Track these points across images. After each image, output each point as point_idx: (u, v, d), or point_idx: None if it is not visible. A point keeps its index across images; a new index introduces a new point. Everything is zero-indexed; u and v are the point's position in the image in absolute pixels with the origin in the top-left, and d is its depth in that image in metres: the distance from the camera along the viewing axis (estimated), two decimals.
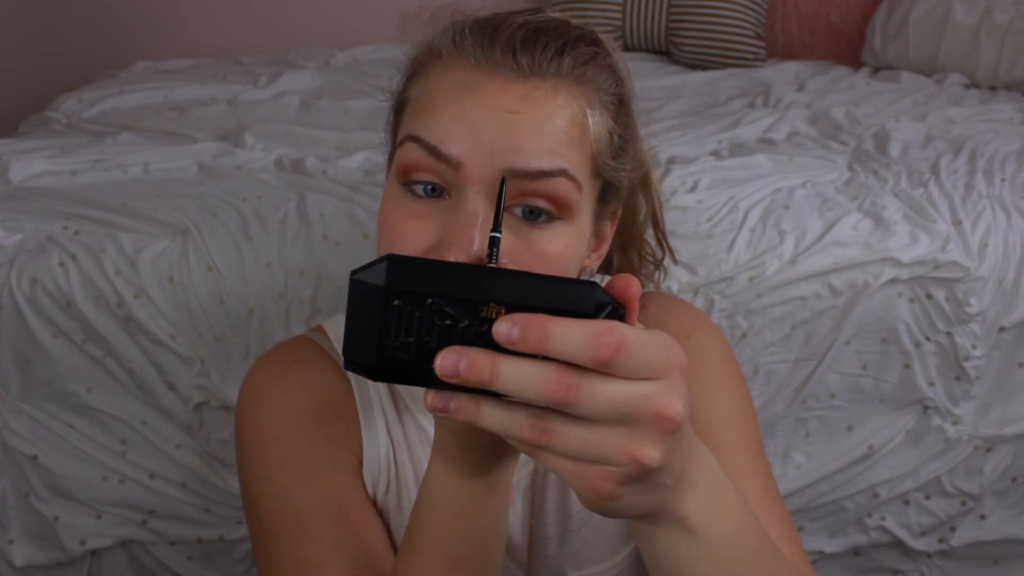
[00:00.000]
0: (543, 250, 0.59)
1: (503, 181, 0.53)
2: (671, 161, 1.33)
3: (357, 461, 0.71)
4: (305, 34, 2.32)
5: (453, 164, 0.57)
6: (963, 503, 1.18)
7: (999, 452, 1.17)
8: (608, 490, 0.41)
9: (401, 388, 0.73)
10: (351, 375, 0.73)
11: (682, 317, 0.77)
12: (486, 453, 0.54)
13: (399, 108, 0.66)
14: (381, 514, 0.71)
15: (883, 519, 1.19)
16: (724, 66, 2.08)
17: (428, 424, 0.73)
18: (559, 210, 0.59)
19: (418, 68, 0.65)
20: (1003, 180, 1.25)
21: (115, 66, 2.06)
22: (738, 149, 1.41)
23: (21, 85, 2.26)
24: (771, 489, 0.70)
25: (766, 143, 1.45)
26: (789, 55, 2.20)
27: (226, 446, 1.07)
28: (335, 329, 0.76)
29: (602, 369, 0.39)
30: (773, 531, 0.59)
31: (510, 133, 0.57)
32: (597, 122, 0.62)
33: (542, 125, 0.58)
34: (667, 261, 0.86)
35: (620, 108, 0.65)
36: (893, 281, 1.10)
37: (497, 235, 0.51)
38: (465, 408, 0.41)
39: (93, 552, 1.08)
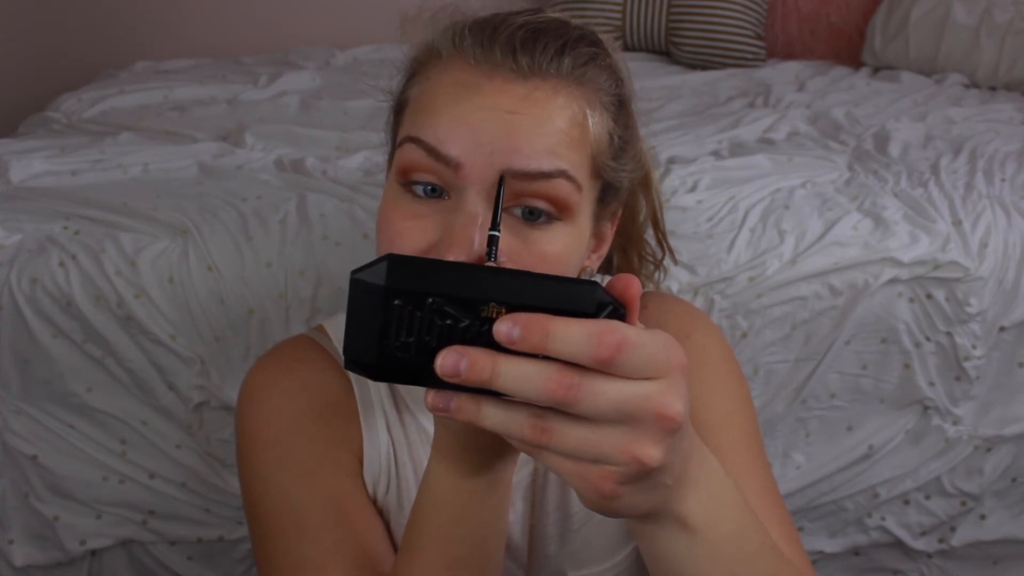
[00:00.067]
0: (543, 251, 0.59)
1: (501, 179, 0.53)
2: (671, 161, 1.33)
3: (357, 461, 0.71)
4: (305, 34, 2.32)
5: (453, 165, 0.57)
6: (963, 503, 1.18)
7: (999, 452, 1.17)
8: (609, 490, 0.41)
9: (402, 388, 0.73)
10: (352, 375, 0.73)
11: (682, 317, 0.77)
12: (486, 453, 0.54)
13: (399, 108, 0.66)
14: (381, 514, 0.71)
15: (883, 519, 1.19)
16: (724, 66, 2.08)
17: (428, 424, 0.73)
18: (559, 211, 0.59)
19: (418, 69, 0.65)
20: (1003, 180, 1.25)
21: (115, 66, 2.06)
22: (738, 149, 1.41)
23: (21, 85, 2.26)
24: (771, 489, 0.70)
25: (766, 143, 1.45)
26: (789, 55, 2.20)
27: (226, 446, 1.07)
28: (336, 329, 0.76)
29: (603, 369, 0.39)
30: (773, 531, 0.59)
31: (510, 134, 0.57)
32: (597, 123, 0.62)
33: (542, 126, 0.58)
34: (667, 261, 0.86)
35: (620, 109, 0.65)
36: (893, 281, 1.10)
37: (496, 233, 0.51)
38: (465, 408, 0.41)
39: (93, 552, 1.08)
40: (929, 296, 1.11)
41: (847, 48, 2.17)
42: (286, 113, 1.63)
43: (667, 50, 2.18)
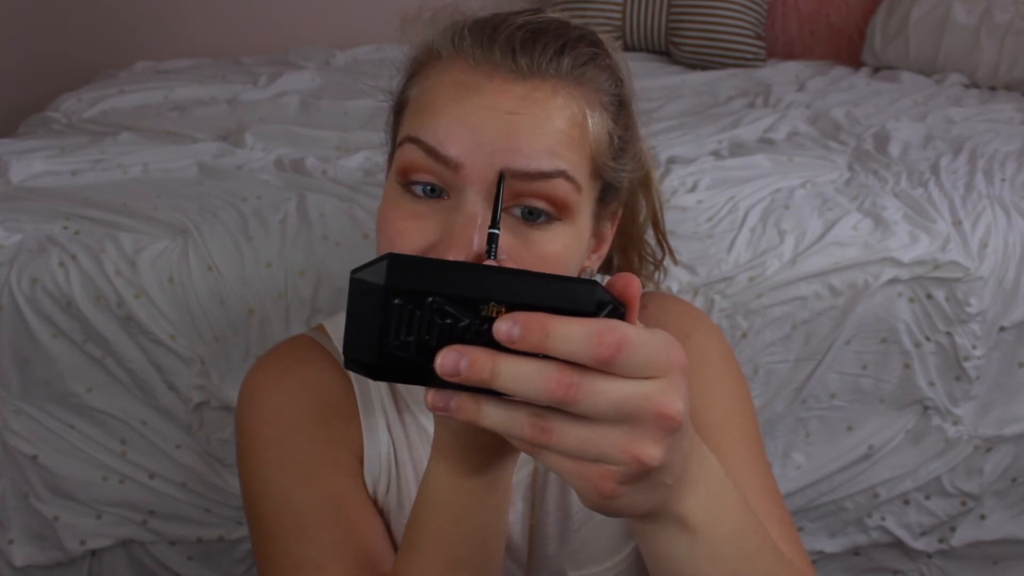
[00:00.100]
0: (542, 251, 0.59)
1: (501, 176, 0.53)
2: (671, 161, 1.33)
3: (357, 461, 0.71)
4: (305, 34, 2.32)
5: (452, 165, 0.57)
6: (963, 503, 1.18)
7: (999, 452, 1.17)
8: (609, 489, 0.41)
9: (402, 387, 0.73)
10: (352, 374, 0.73)
11: (682, 317, 0.77)
12: (486, 452, 0.54)
13: (399, 109, 0.66)
14: (382, 513, 0.71)
15: (883, 519, 1.19)
16: (724, 66, 2.08)
17: (429, 423, 0.73)
18: (558, 211, 0.59)
19: (418, 69, 0.65)
20: (1003, 180, 1.25)
21: (115, 66, 2.06)
22: (738, 149, 1.41)
23: (21, 85, 2.26)
24: (771, 489, 0.70)
25: (766, 143, 1.45)
26: (789, 55, 2.20)
27: (226, 446, 1.07)
28: (336, 328, 0.76)
29: (603, 368, 0.39)
30: (773, 531, 0.59)
31: (509, 134, 0.57)
32: (597, 123, 0.62)
33: (541, 126, 0.58)
34: (667, 261, 0.86)
35: (620, 109, 0.65)
36: (893, 281, 1.10)
37: (496, 231, 0.51)
38: (466, 407, 0.41)
39: (93, 552, 1.08)
40: (929, 296, 1.11)
41: (847, 48, 2.17)
42: (286, 113, 1.63)
43: (667, 50, 2.18)
